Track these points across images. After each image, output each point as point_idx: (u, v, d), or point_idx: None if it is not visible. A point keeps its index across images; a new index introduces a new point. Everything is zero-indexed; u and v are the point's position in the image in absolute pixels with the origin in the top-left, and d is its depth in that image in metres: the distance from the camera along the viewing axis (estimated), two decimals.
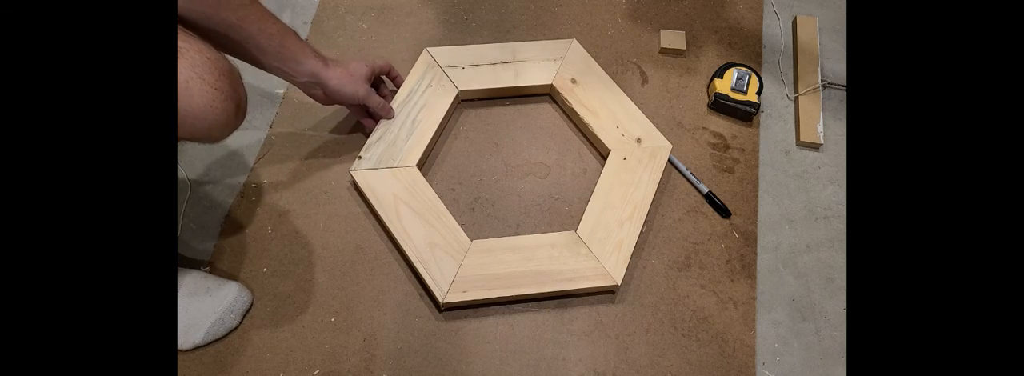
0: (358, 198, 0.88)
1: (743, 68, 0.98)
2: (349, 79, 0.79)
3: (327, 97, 0.80)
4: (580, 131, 0.95)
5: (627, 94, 0.95)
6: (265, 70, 0.74)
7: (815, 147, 0.97)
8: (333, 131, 0.94)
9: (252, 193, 0.88)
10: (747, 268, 0.86)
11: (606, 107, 0.93)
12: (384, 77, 0.91)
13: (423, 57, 0.96)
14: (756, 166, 0.95)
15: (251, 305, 0.79)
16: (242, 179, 0.89)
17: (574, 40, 0.99)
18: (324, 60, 0.77)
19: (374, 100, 0.84)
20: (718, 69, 0.98)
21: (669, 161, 0.92)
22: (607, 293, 0.83)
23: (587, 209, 0.85)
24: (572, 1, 1.07)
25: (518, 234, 0.86)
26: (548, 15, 1.05)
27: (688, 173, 0.92)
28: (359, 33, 1.02)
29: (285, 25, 0.71)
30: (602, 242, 0.82)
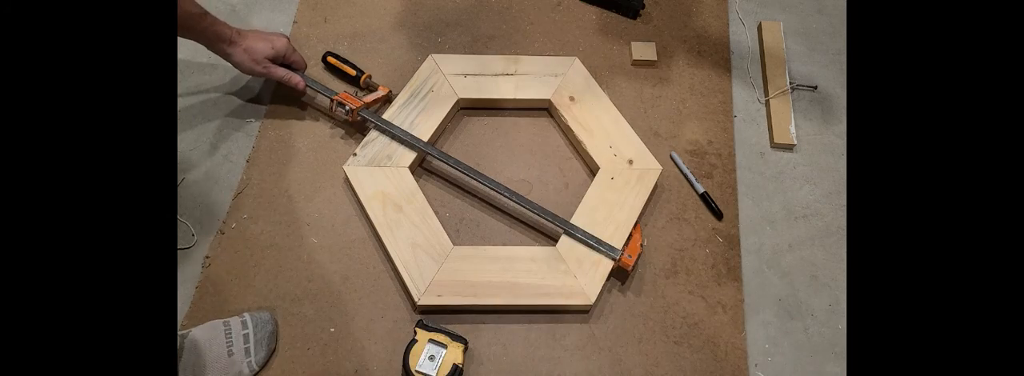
0: (351, 196, 0.90)
1: None
2: (247, 59, 0.89)
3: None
4: (573, 148, 0.97)
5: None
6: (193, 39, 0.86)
7: (789, 148, 1.00)
8: (331, 128, 0.97)
9: (248, 190, 0.91)
10: (732, 271, 0.88)
11: (601, 126, 0.94)
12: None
13: (427, 63, 0.99)
14: (734, 170, 0.97)
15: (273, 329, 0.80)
16: (237, 177, 0.92)
17: (576, 58, 1.01)
18: (230, 40, 0.87)
19: (276, 74, 0.92)
20: None
21: (671, 158, 0.96)
22: (581, 312, 0.84)
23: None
24: (543, 19, 1.10)
25: (500, 244, 0.88)
26: (520, 34, 1.08)
27: (688, 172, 0.94)
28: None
29: (204, 9, 0.84)
30: (580, 260, 0.84)
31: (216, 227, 0.88)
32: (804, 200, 0.96)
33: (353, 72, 0.98)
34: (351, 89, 1.00)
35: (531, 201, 0.87)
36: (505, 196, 0.88)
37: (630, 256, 0.83)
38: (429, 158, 0.95)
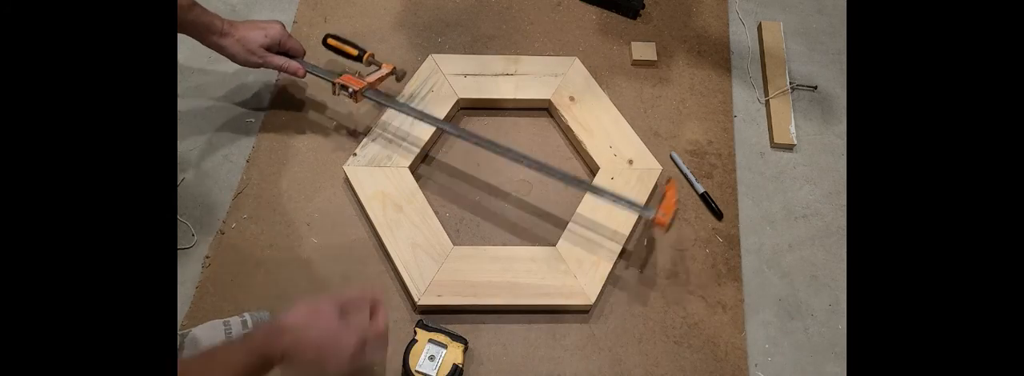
0: (351, 196, 0.90)
1: None
2: (241, 50, 0.86)
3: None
4: (573, 148, 0.97)
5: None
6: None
7: (789, 148, 1.00)
8: (331, 128, 0.97)
9: (248, 190, 0.91)
10: (732, 271, 0.88)
11: (602, 127, 0.95)
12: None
13: (427, 63, 0.99)
14: (734, 170, 0.97)
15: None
16: (237, 177, 0.92)
17: (576, 58, 1.01)
18: (221, 31, 0.84)
19: (273, 63, 0.89)
20: None
21: (671, 158, 0.96)
22: (581, 312, 0.84)
23: (569, 226, 0.87)
24: (543, 19, 1.10)
25: (500, 244, 0.88)
26: (520, 34, 1.08)
27: (688, 172, 0.94)
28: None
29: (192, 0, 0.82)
30: (580, 261, 0.84)
31: (216, 227, 0.88)
32: (804, 200, 0.96)
33: (355, 52, 0.95)
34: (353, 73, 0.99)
35: (552, 166, 0.84)
36: (524, 164, 0.84)
37: (665, 214, 0.78)
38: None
